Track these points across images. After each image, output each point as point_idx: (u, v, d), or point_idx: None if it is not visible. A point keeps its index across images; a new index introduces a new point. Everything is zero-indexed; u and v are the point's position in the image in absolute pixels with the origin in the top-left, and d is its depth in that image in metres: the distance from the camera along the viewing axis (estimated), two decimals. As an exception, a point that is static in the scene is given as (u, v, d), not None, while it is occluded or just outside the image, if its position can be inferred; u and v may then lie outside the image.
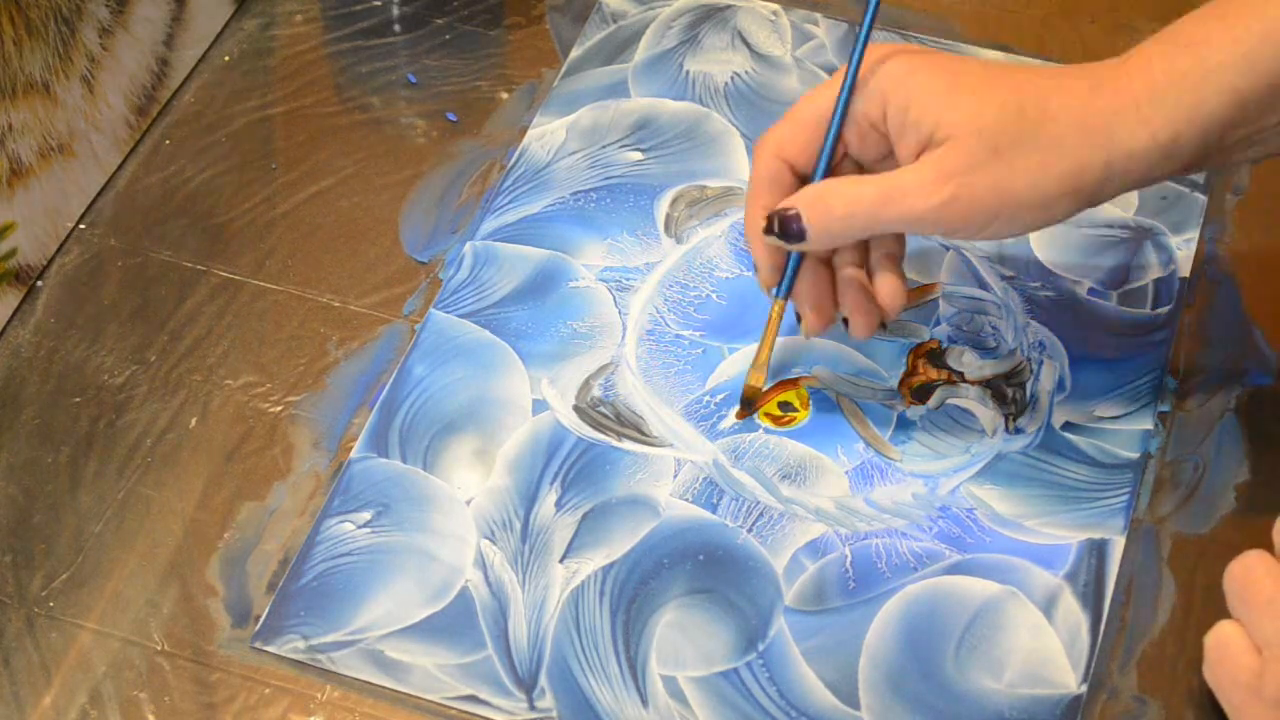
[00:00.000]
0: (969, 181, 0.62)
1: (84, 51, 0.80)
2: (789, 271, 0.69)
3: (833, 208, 0.64)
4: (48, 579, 0.69)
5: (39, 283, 0.80)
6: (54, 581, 0.69)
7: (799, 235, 0.65)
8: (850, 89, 0.66)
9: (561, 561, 0.69)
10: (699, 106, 0.85)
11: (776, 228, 0.66)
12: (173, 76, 0.87)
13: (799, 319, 0.70)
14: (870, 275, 0.68)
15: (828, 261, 0.69)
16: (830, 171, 0.67)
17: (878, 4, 0.66)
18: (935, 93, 0.63)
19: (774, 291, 0.69)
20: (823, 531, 0.70)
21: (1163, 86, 0.62)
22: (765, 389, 0.73)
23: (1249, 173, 0.82)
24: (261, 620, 0.68)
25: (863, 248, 0.69)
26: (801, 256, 0.68)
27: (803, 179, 0.67)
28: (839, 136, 0.66)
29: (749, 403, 0.73)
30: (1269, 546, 0.62)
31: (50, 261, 0.80)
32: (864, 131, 0.66)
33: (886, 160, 0.67)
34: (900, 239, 0.69)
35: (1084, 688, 0.65)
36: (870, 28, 0.66)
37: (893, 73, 0.65)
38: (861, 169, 0.68)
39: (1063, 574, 0.68)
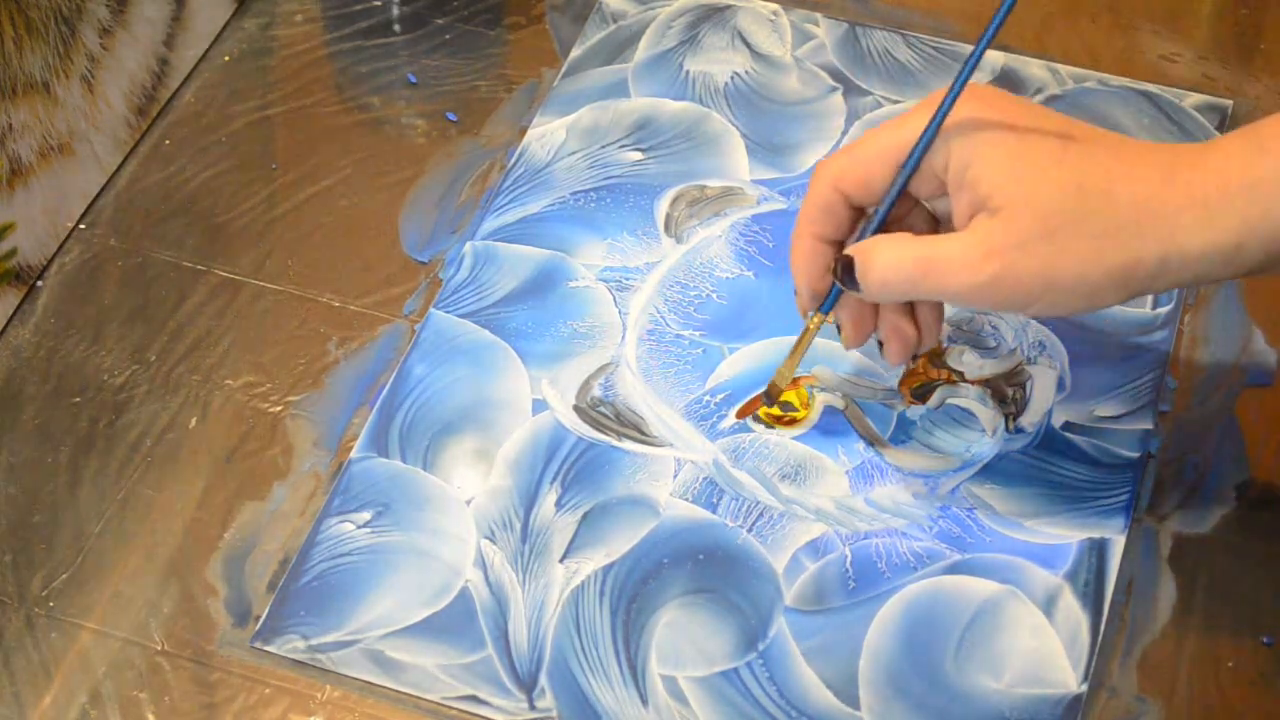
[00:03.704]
0: (1014, 261, 0.60)
1: (84, 51, 0.80)
2: (831, 296, 0.67)
3: (873, 267, 0.63)
4: (48, 579, 0.69)
5: (39, 283, 0.80)
6: (54, 581, 0.69)
7: (854, 285, 0.64)
8: (928, 142, 0.62)
9: (561, 561, 0.69)
10: (699, 106, 0.85)
11: (839, 272, 0.64)
12: (173, 76, 0.87)
13: (839, 330, 0.69)
14: (913, 308, 0.67)
15: None
16: (886, 220, 0.65)
17: (974, 63, 0.62)
18: (998, 158, 0.61)
19: (821, 307, 0.68)
20: (823, 531, 0.70)
21: (1234, 190, 0.58)
22: (752, 397, 0.73)
23: (1249, 173, 0.82)
24: (261, 620, 0.68)
25: None
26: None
27: (858, 211, 0.66)
28: (904, 188, 0.64)
29: (769, 398, 0.72)
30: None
31: (50, 261, 0.80)
32: (924, 173, 0.64)
33: (940, 199, 0.65)
34: None
35: (1084, 687, 0.65)
36: (963, 85, 0.62)
37: (961, 124, 0.62)
38: (934, 219, 0.66)
39: (1063, 573, 0.68)
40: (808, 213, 0.66)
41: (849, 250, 0.64)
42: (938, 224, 0.67)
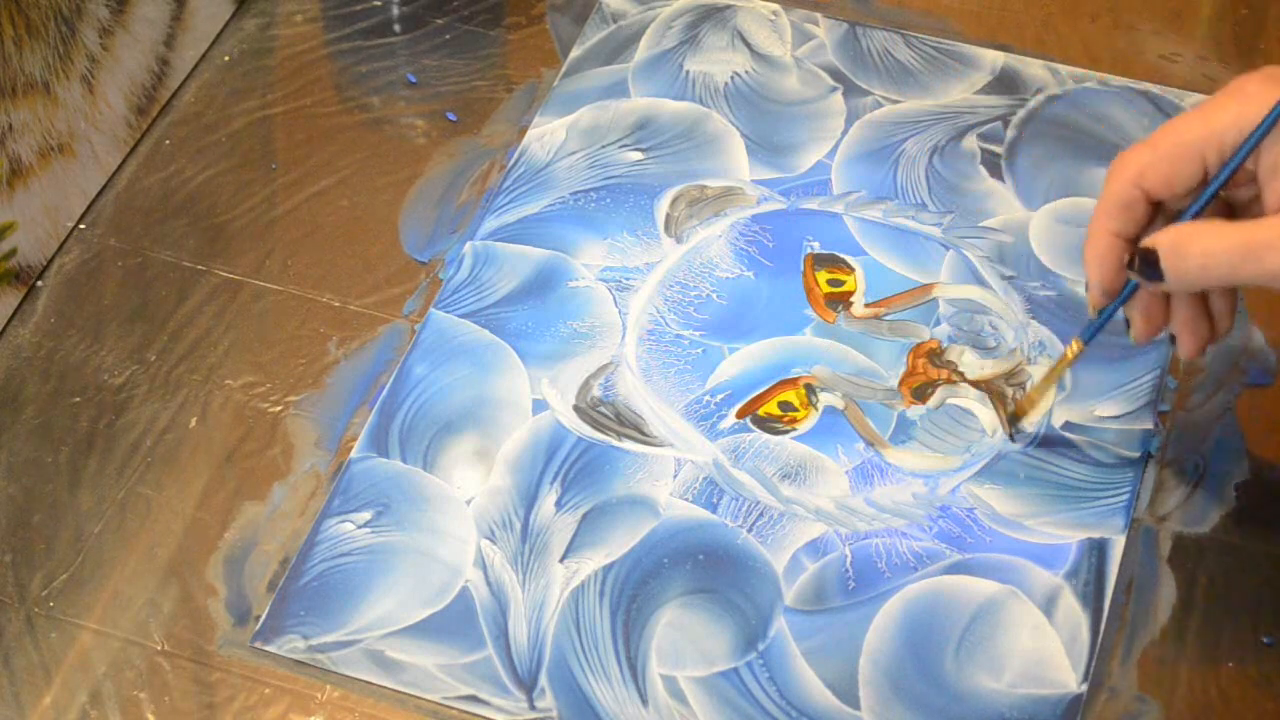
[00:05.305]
0: None
1: (84, 51, 0.80)
2: (1116, 303, 0.66)
3: (1189, 255, 0.61)
4: (48, 579, 0.69)
5: (39, 283, 0.80)
6: (54, 581, 0.69)
7: (1157, 276, 0.62)
8: (1258, 140, 0.61)
9: (561, 561, 0.69)
10: (699, 106, 0.85)
11: (1137, 265, 0.63)
12: (173, 76, 0.87)
13: (1128, 325, 0.68)
14: (1207, 294, 0.66)
15: None
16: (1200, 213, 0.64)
17: None
18: None
19: (1082, 334, 0.68)
20: (823, 531, 0.70)
21: None
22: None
23: (1249, 173, 0.82)
24: (261, 620, 0.68)
25: None
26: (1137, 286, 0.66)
27: (1155, 206, 0.65)
28: (1229, 179, 0.63)
29: (1014, 419, 0.72)
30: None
31: (50, 261, 0.80)
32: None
33: (1253, 203, 0.64)
34: None
35: (1084, 687, 0.65)
36: None
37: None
38: (1229, 206, 0.65)
39: (1063, 573, 0.68)
40: (1106, 208, 0.65)
41: (1151, 242, 0.63)
42: (1232, 215, 0.65)
